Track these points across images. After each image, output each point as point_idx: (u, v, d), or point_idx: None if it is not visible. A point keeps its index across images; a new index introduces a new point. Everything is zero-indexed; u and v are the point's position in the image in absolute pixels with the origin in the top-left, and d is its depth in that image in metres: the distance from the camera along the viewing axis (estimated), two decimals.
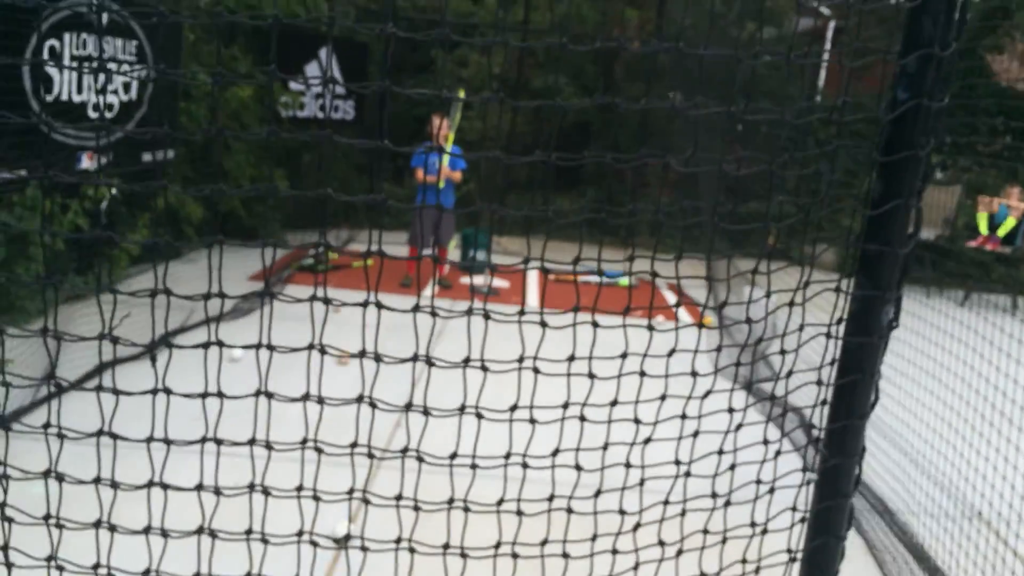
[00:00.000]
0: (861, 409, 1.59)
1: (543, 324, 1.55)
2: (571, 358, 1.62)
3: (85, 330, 1.67)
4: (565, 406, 1.67)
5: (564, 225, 10.69)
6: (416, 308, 1.54)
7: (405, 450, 1.64)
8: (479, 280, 8.84)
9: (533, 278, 9.31)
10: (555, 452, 1.66)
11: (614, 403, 1.67)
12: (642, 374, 1.67)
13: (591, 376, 1.61)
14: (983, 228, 10.51)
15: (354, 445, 1.58)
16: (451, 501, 1.65)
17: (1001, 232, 10.42)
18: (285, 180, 9.89)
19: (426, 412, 1.59)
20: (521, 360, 1.59)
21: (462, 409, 1.60)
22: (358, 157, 12.37)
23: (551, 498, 1.69)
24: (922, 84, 1.45)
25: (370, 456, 1.59)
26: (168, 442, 1.57)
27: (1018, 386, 4.11)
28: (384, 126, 10.40)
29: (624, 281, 8.83)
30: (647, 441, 1.71)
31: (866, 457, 1.67)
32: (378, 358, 1.57)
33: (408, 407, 1.59)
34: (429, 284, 8.69)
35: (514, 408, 1.64)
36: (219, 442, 1.57)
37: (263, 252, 1.48)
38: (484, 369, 1.57)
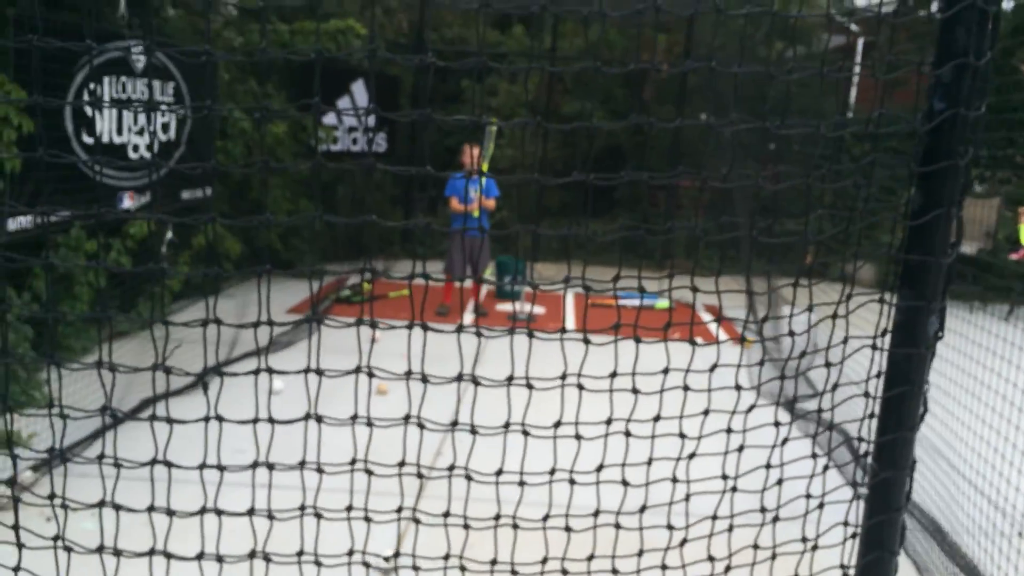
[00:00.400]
0: (910, 421, 1.57)
1: (586, 341, 1.56)
2: (613, 374, 1.62)
3: (133, 365, 1.71)
4: (609, 422, 1.67)
5: (599, 249, 10.68)
6: (460, 328, 1.57)
7: (452, 468, 1.65)
8: (516, 307, 8.87)
9: (570, 303, 9.32)
10: (600, 468, 1.66)
11: (657, 418, 1.67)
12: (685, 388, 1.67)
13: (635, 391, 1.62)
14: None
15: (402, 464, 1.60)
16: (498, 517, 1.66)
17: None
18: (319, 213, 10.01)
19: (473, 431, 1.61)
20: (564, 377, 1.60)
21: (507, 426, 1.61)
22: (392, 189, 12.51)
23: (596, 513, 1.70)
24: (958, 94, 1.45)
25: (419, 476, 1.60)
26: (221, 468, 1.60)
27: None
28: (425, 152, 10.51)
29: (661, 304, 8.81)
30: (692, 456, 1.71)
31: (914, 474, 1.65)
32: (424, 379, 1.59)
33: (454, 425, 1.61)
34: (466, 311, 8.74)
35: (558, 424, 1.65)
36: (271, 467, 1.60)
37: (310, 280, 1.51)
38: (529, 387, 1.59)
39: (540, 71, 12.55)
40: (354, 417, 1.59)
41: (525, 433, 1.62)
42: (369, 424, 1.60)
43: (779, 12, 1.57)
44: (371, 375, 1.57)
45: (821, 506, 1.76)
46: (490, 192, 8.26)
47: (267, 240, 9.12)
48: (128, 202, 6.83)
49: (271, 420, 1.62)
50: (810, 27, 13.33)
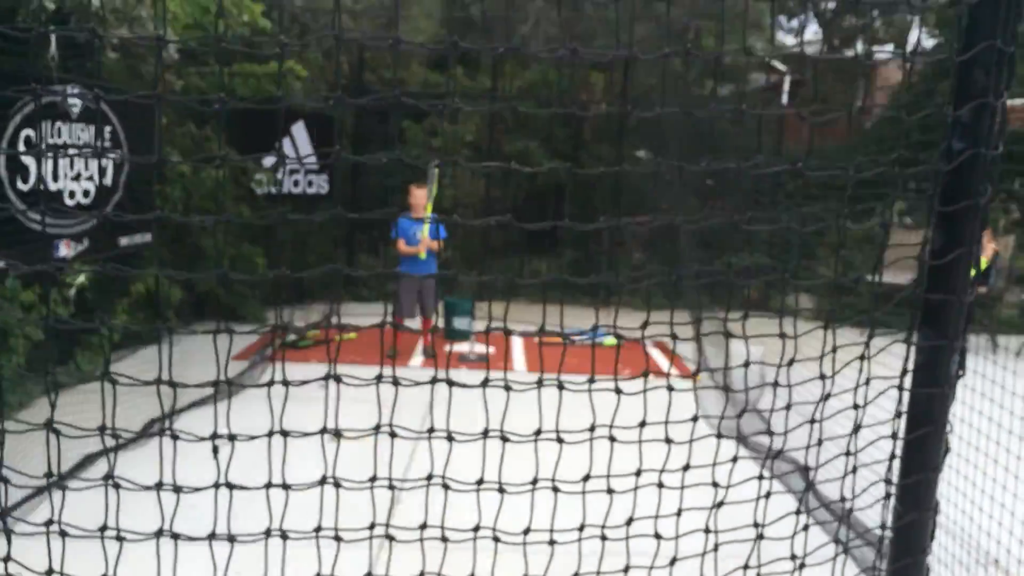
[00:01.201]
0: (933, 461, 1.57)
1: (560, 387, 1.56)
2: (592, 427, 1.62)
3: (74, 421, 1.66)
4: (587, 478, 1.67)
5: (543, 287, 10.76)
6: (434, 380, 1.55)
7: (424, 526, 1.63)
8: (464, 347, 8.85)
9: (518, 343, 9.32)
10: (582, 527, 1.65)
11: (639, 472, 1.67)
12: (668, 441, 1.66)
13: (612, 439, 1.62)
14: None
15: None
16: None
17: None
18: (263, 258, 9.90)
19: (445, 487, 1.59)
20: (539, 432, 1.60)
21: (479, 482, 1.60)
22: (334, 230, 12.43)
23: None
24: (977, 134, 1.48)
25: (388, 538, 1.58)
26: (175, 536, 1.55)
27: (994, 423, 4.14)
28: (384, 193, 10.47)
29: (609, 341, 8.86)
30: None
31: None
32: (392, 434, 1.57)
33: (429, 478, 1.59)
34: (415, 354, 8.69)
35: (535, 482, 1.64)
36: (233, 538, 1.56)
37: (213, 338, 1.48)
38: (504, 439, 1.58)
39: (485, 111, 12.67)
40: (323, 480, 1.56)
41: (501, 490, 1.61)
42: (337, 486, 1.57)
43: (711, 52, 1.62)
44: (338, 434, 1.55)
45: (846, 551, 1.77)
46: (438, 234, 8.25)
47: (208, 285, 8.98)
48: (64, 250, 6.67)
49: (229, 486, 1.58)
50: (739, 66, 13.71)
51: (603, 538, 1.68)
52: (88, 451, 4.55)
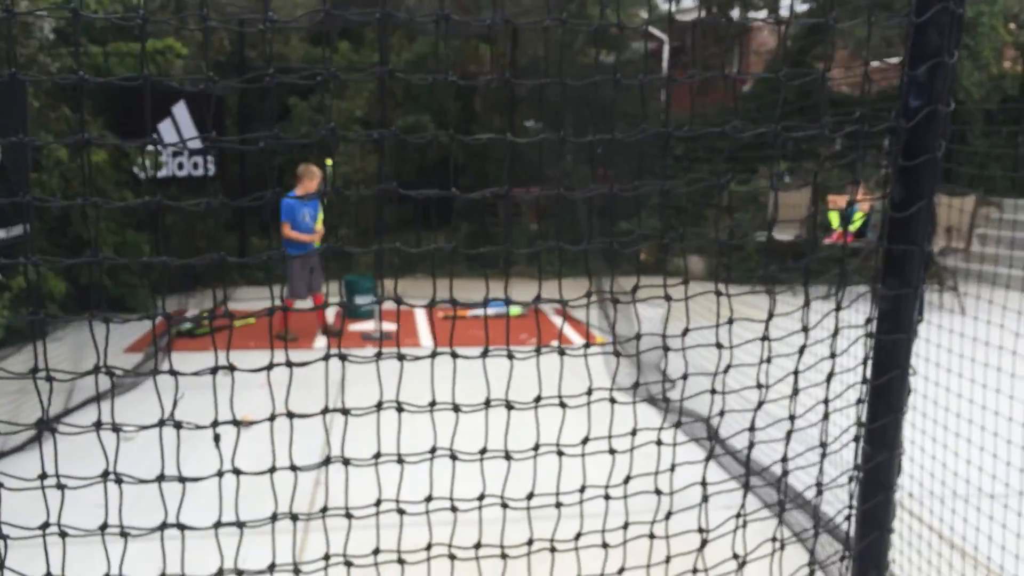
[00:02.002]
0: (899, 403, 1.66)
1: (454, 356, 1.58)
2: (487, 402, 1.65)
3: None
4: (484, 451, 1.70)
5: (442, 261, 10.74)
6: (327, 357, 1.55)
7: (324, 510, 1.63)
8: (368, 326, 8.78)
9: (422, 318, 9.30)
10: (481, 497, 1.68)
11: (537, 447, 1.70)
12: (562, 405, 1.70)
13: (508, 407, 1.65)
14: (835, 224, 11.18)
15: (274, 518, 1.57)
16: (376, 552, 1.65)
17: (853, 227, 11.12)
18: (149, 245, 9.56)
19: (346, 462, 1.60)
20: (433, 404, 1.61)
21: (377, 456, 1.61)
22: (224, 213, 12.08)
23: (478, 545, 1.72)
24: (932, 91, 1.55)
25: (294, 519, 1.58)
26: (63, 534, 1.51)
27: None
28: (270, 175, 10.23)
29: (515, 310, 8.94)
30: (585, 489, 1.76)
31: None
32: (291, 415, 1.57)
33: (327, 461, 1.59)
34: (317, 335, 8.57)
35: (434, 450, 1.66)
36: (125, 535, 1.52)
37: (90, 331, 1.45)
38: (399, 410, 1.59)
39: (375, 85, 12.48)
40: (220, 473, 1.54)
41: (400, 461, 1.63)
42: (236, 473, 1.56)
43: (598, 22, 1.65)
44: (237, 424, 1.53)
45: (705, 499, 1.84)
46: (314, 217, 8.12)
47: (93, 276, 8.61)
48: None
49: (118, 480, 1.53)
50: (622, 36, 13.89)
51: (504, 505, 1.72)
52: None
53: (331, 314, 9.26)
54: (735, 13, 15.57)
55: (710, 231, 12.12)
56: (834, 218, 11.22)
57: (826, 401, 1.82)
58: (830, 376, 1.80)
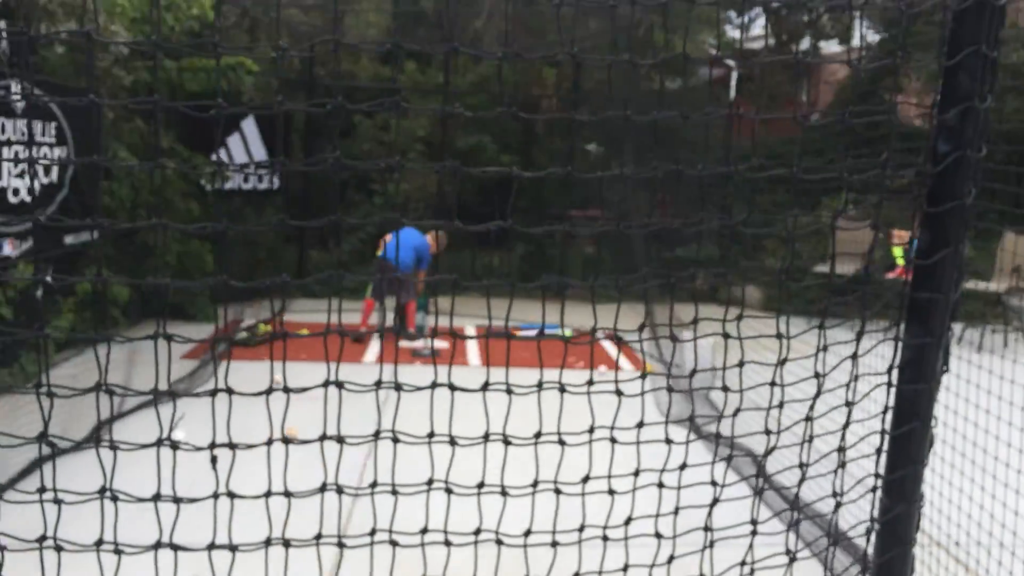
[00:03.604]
0: (919, 455, 1.61)
1: (509, 392, 1.56)
2: (538, 435, 1.63)
3: (13, 426, 1.63)
4: (535, 484, 1.68)
5: (497, 282, 10.79)
6: (378, 384, 1.55)
7: (373, 532, 1.62)
8: (419, 343, 8.84)
9: (472, 336, 9.33)
10: (527, 533, 1.66)
11: (587, 479, 1.68)
12: (613, 441, 1.68)
13: (561, 443, 1.63)
14: (900, 260, 10.93)
15: (319, 538, 1.57)
16: None
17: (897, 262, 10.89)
18: (211, 254, 9.77)
19: (394, 491, 1.59)
20: (487, 437, 1.61)
21: (430, 483, 1.60)
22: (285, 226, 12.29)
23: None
24: (963, 136, 1.51)
25: (340, 545, 1.57)
26: (118, 552, 1.53)
27: (959, 416, 4.23)
28: (336, 191, 10.40)
29: (569, 333, 8.90)
30: (629, 520, 1.74)
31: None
32: (340, 440, 1.57)
33: (374, 486, 1.59)
34: (369, 347, 8.66)
35: (481, 485, 1.64)
36: (175, 548, 1.54)
37: (155, 343, 1.47)
38: (453, 444, 1.58)
39: (436, 106, 12.63)
40: (268, 494, 1.55)
41: (448, 491, 1.62)
42: (287, 495, 1.56)
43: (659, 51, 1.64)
44: (287, 442, 1.54)
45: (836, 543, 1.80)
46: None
47: (156, 284, 8.82)
48: (8, 249, 6.51)
49: (176, 500, 1.55)
50: (688, 60, 13.84)
51: (554, 544, 1.70)
52: (34, 456, 4.46)
53: (372, 320, 9.33)
54: (805, 42, 15.41)
55: (769, 260, 11.96)
56: (898, 253, 10.97)
57: (840, 449, 1.77)
58: (847, 423, 1.76)
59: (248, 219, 10.79)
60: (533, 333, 8.27)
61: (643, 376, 1.93)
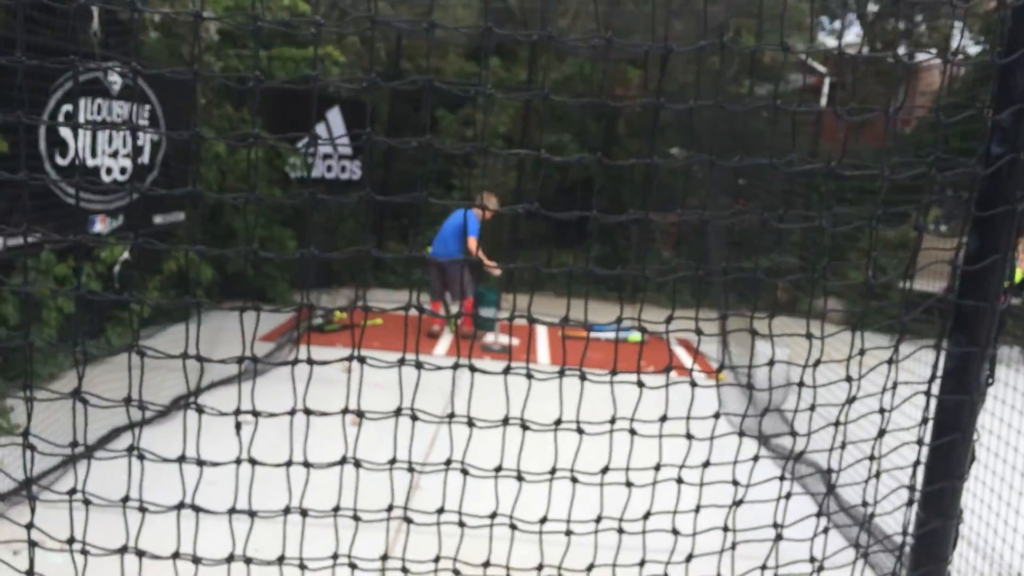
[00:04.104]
0: (959, 469, 1.55)
1: (583, 377, 1.56)
2: (612, 420, 1.63)
3: (102, 393, 1.68)
4: (605, 470, 1.67)
5: (571, 281, 10.77)
6: (456, 366, 1.56)
7: (441, 510, 1.64)
8: (490, 337, 8.87)
9: (542, 335, 9.33)
10: (599, 519, 1.65)
11: (658, 467, 1.67)
12: (689, 437, 1.66)
13: (632, 432, 1.62)
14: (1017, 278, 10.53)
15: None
16: (487, 564, 1.65)
17: (1007, 283, 10.45)
18: (294, 240, 9.99)
19: (464, 471, 1.60)
20: (559, 422, 1.60)
21: (498, 470, 1.61)
22: (364, 216, 12.51)
23: (591, 568, 1.69)
24: (1017, 139, 1.45)
25: (406, 521, 1.59)
26: (196, 509, 1.57)
27: (1022, 436, 4.07)
28: (426, 178, 10.50)
29: (634, 337, 8.84)
30: (697, 509, 1.72)
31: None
32: (414, 415, 1.58)
33: (448, 463, 1.60)
34: (440, 342, 8.74)
35: (553, 471, 1.64)
36: (253, 514, 1.57)
37: (240, 315, 1.50)
38: (524, 428, 1.59)
39: (521, 102, 12.67)
40: (343, 460, 1.58)
41: (520, 478, 1.62)
42: (357, 465, 1.59)
43: (742, 48, 1.60)
44: (360, 415, 1.56)
45: (865, 556, 1.77)
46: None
47: (237, 266, 9.07)
48: (100, 226, 6.76)
49: (252, 461, 1.60)
50: (777, 66, 13.56)
51: (620, 531, 1.68)
52: (116, 424, 4.62)
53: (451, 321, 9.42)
54: (900, 50, 14.98)
55: (852, 274, 11.65)
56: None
57: (871, 458, 1.71)
58: (881, 433, 1.69)
59: (331, 208, 10.99)
60: (605, 335, 8.22)
61: (718, 385, 1.89)
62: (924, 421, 1.61)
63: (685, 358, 8.98)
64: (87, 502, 1.55)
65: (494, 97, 1.54)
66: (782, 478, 1.81)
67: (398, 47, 12.75)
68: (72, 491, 1.57)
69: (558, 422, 1.62)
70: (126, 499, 1.56)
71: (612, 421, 1.63)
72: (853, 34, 16.16)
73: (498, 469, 1.63)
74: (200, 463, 1.55)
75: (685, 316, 1.63)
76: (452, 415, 1.58)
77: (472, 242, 8.46)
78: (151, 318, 7.63)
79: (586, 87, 13.18)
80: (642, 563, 1.75)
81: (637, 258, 12.58)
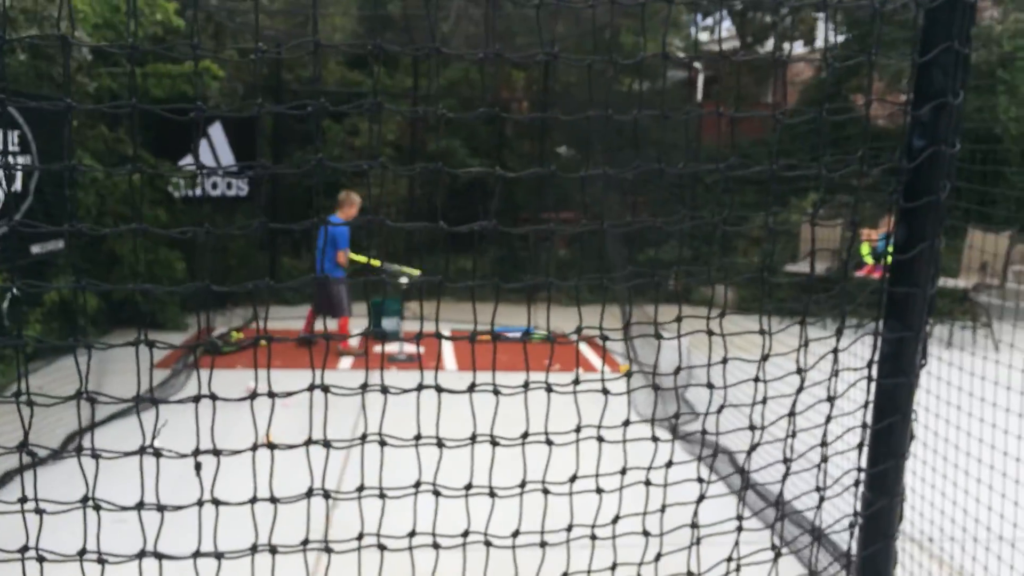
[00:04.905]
0: (900, 448, 1.62)
1: (496, 392, 1.56)
2: (525, 435, 1.63)
3: None
4: (523, 485, 1.67)
5: (469, 286, 10.76)
6: (364, 387, 1.54)
7: (360, 536, 1.61)
8: (393, 347, 8.80)
9: (447, 341, 9.31)
10: (516, 534, 1.65)
11: (574, 478, 1.68)
12: (600, 440, 1.68)
13: (549, 443, 1.63)
14: (867, 258, 11.06)
15: (305, 543, 1.56)
16: None
17: (887, 261, 11.00)
18: (182, 262, 9.66)
19: (382, 495, 1.58)
20: (474, 439, 1.60)
21: (417, 485, 1.59)
22: (256, 233, 12.21)
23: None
24: (936, 132, 1.53)
25: (327, 550, 1.56)
26: (101, 559, 1.51)
27: (930, 413, 4.27)
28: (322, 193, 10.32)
29: (539, 335, 8.90)
30: (615, 519, 1.74)
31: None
32: (327, 444, 1.55)
33: (360, 490, 1.57)
34: (343, 355, 8.62)
35: (469, 487, 1.64)
36: (160, 556, 1.52)
37: (135, 350, 1.45)
38: (440, 446, 1.58)
39: (411, 111, 12.59)
40: (253, 499, 1.54)
41: (436, 494, 1.61)
42: (273, 501, 1.55)
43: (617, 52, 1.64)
44: (271, 446, 1.53)
45: (820, 538, 1.82)
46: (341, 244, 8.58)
47: (125, 292, 8.72)
48: None
49: (160, 508, 1.54)
50: (656, 63, 13.90)
51: (542, 544, 1.69)
52: (6, 468, 4.38)
53: (354, 338, 9.31)
54: (769, 44, 15.58)
55: (740, 260, 12.07)
56: (865, 251, 11.11)
57: (823, 444, 1.79)
58: (828, 419, 1.77)
59: (218, 226, 10.67)
60: (511, 334, 8.26)
61: (628, 375, 1.93)
62: (866, 405, 1.68)
63: (592, 357, 9.12)
64: None
65: (384, 107, 1.53)
66: (741, 471, 1.86)
67: (278, 60, 12.49)
68: None
69: (473, 437, 1.62)
70: (24, 549, 1.48)
71: (525, 435, 1.64)
72: (725, 28, 16.72)
73: (416, 484, 1.61)
74: (97, 508, 1.48)
75: (590, 325, 1.65)
76: (364, 436, 1.56)
77: (341, 256, 8.49)
78: (35, 354, 7.26)
79: (472, 90, 13.22)
80: (565, 575, 1.76)
81: (534, 259, 12.69)
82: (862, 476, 1.68)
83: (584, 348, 9.38)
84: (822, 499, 1.77)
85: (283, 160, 12.21)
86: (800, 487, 1.87)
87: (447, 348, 9.05)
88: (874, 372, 1.65)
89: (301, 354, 8.34)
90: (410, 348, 8.66)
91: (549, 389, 1.59)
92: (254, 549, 1.53)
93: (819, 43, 14.60)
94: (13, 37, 6.94)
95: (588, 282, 1.65)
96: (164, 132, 9.57)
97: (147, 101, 8.96)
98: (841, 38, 12.50)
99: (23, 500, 1.47)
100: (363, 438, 1.56)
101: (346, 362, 8.43)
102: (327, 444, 1.54)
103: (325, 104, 1.40)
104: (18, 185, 7.14)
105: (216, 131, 10.67)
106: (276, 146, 12.46)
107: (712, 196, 10.69)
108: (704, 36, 16.49)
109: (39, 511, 1.46)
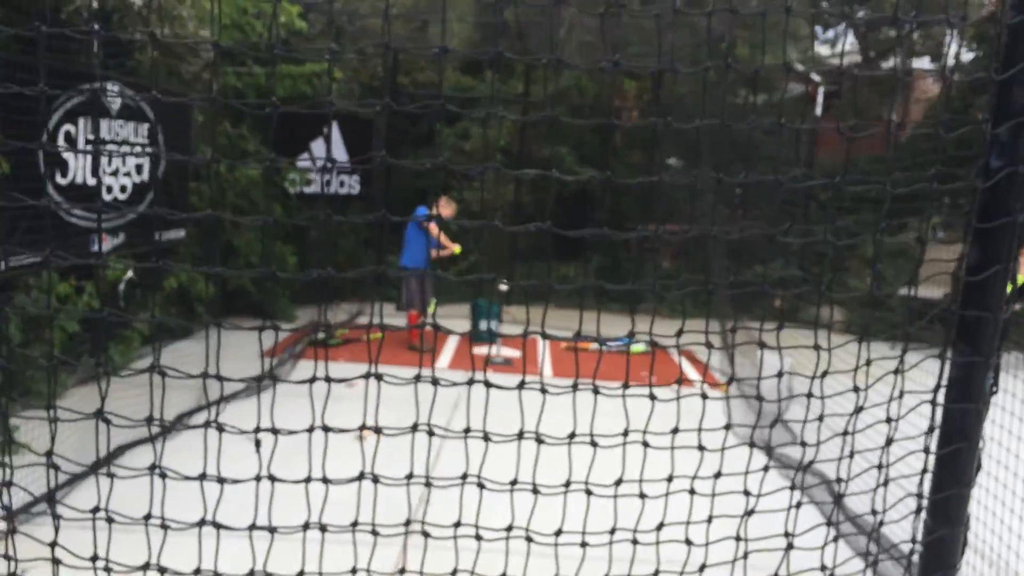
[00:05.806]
0: (966, 477, 1.57)
1: (596, 391, 1.57)
2: (626, 432, 1.64)
3: (114, 410, 1.69)
4: (619, 482, 1.68)
5: (571, 292, 10.77)
6: (470, 382, 1.58)
7: (458, 524, 1.64)
8: (492, 350, 8.88)
9: (545, 347, 9.33)
10: (613, 531, 1.66)
11: (671, 479, 1.68)
12: (701, 448, 1.67)
13: (645, 444, 1.63)
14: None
15: (407, 523, 1.60)
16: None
17: (1009, 289, 10.46)
18: (293, 256, 10.00)
19: (480, 485, 1.61)
20: (573, 436, 1.61)
21: (513, 483, 1.61)
22: (364, 231, 12.53)
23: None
24: (1015, 152, 1.48)
25: (424, 535, 1.60)
26: (217, 526, 1.58)
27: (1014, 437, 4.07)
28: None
29: (637, 347, 8.84)
30: (709, 520, 1.72)
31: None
32: (431, 432, 1.59)
33: (464, 477, 1.60)
34: (442, 353, 8.74)
35: (568, 484, 1.65)
36: (273, 530, 1.58)
37: (259, 335, 1.51)
38: (539, 442, 1.60)
39: (510, 116, 12.71)
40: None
41: (535, 491, 1.63)
42: (374, 481, 1.59)
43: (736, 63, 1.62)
44: (378, 431, 1.57)
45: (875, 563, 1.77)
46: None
47: (238, 282, 9.08)
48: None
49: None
50: (773, 75, 13.61)
51: (634, 542, 1.69)
52: (121, 442, 4.62)
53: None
54: (896, 60, 15.03)
55: (852, 282, 11.67)
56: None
57: (879, 467, 1.72)
58: (889, 442, 1.71)
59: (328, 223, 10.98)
60: (610, 345, 8.22)
61: (727, 397, 1.90)
62: (930, 430, 1.63)
63: (689, 370, 8.98)
64: (110, 520, 1.56)
65: (497, 114, 1.56)
66: (791, 488, 1.82)
67: (395, 62, 12.79)
68: (95, 509, 1.58)
69: (572, 435, 1.63)
70: (148, 517, 1.56)
71: (625, 434, 1.64)
72: (847, 43, 16.23)
73: (513, 482, 1.63)
74: (221, 480, 1.55)
75: (693, 330, 1.64)
76: (468, 429, 1.59)
77: (436, 253, 8.78)
78: (152, 336, 7.63)
79: (583, 98, 13.23)
80: (656, 573, 1.75)
81: (638, 270, 12.59)
82: (924, 503, 1.62)
83: (685, 364, 9.24)
84: (880, 523, 1.71)
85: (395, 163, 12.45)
86: (891, 517, 1.81)
87: (544, 354, 9.06)
88: (940, 397, 1.59)
89: (402, 350, 8.51)
90: (508, 352, 8.71)
91: (652, 397, 1.59)
92: (355, 525, 1.58)
93: (951, 60, 14.01)
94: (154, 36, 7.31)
95: (692, 289, 1.63)
96: (282, 129, 9.92)
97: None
98: (971, 55, 11.97)
99: (153, 467, 1.56)
100: (466, 431, 1.59)
101: (443, 361, 8.55)
102: (431, 433, 1.58)
103: (447, 106, 1.43)
104: (145, 176, 7.53)
105: (333, 130, 11.01)
106: (389, 148, 12.74)
107: (826, 215, 10.38)
108: (825, 50, 16.05)
109: (163, 475, 1.55)
